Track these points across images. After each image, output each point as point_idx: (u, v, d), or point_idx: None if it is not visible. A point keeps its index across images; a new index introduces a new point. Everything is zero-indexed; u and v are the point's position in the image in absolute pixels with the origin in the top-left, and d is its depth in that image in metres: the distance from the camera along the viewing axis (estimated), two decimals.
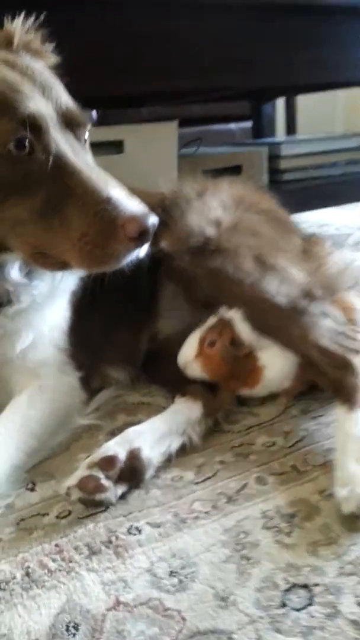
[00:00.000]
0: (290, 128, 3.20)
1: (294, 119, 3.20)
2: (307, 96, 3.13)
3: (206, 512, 0.88)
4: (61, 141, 0.90)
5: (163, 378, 1.26)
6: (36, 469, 1.02)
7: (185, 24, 1.77)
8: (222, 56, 1.84)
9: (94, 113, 2.72)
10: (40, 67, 0.99)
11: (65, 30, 1.52)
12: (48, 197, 0.87)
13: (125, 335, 1.28)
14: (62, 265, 0.93)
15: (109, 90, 1.74)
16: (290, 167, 2.25)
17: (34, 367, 1.08)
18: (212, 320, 1.14)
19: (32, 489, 0.98)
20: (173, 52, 1.79)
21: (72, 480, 0.93)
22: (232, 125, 3.85)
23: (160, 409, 1.12)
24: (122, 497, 0.93)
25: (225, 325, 1.13)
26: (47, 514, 0.91)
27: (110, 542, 0.84)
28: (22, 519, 0.91)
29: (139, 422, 1.06)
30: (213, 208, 1.28)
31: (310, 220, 1.43)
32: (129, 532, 0.86)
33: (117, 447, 0.96)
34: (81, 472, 0.93)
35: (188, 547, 0.82)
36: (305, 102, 3.20)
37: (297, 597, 0.73)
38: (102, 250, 0.86)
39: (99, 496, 0.91)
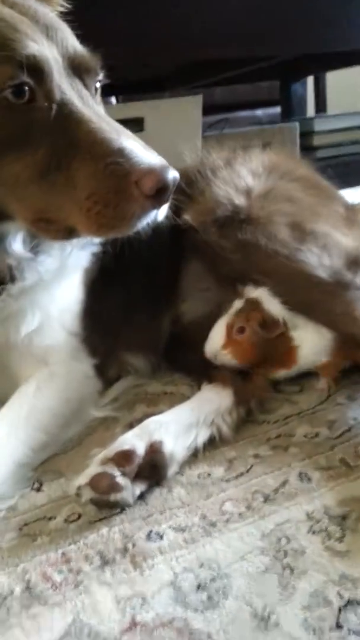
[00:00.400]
0: (321, 109, 3.05)
1: (324, 99, 3.04)
2: (336, 75, 2.97)
3: (240, 514, 0.74)
4: (67, 88, 0.79)
5: (188, 365, 1.13)
6: (44, 466, 0.90)
7: None
8: (258, 25, 1.71)
9: (113, 99, 2.62)
10: (45, 9, 0.87)
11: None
12: (51, 152, 0.76)
13: (146, 318, 1.15)
14: (68, 232, 0.81)
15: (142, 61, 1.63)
16: (324, 144, 2.11)
17: (42, 352, 0.97)
18: (238, 304, 1.02)
19: (38, 489, 0.86)
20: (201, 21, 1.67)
21: (83, 478, 0.80)
22: (259, 112, 3.70)
23: (184, 399, 0.99)
24: (141, 497, 0.80)
25: (252, 308, 1.00)
26: (54, 518, 0.79)
27: (127, 549, 0.71)
28: (26, 524, 0.79)
29: (160, 413, 0.93)
30: (243, 176, 1.14)
31: (348, 198, 1.27)
32: (148, 538, 0.73)
33: (135, 440, 0.84)
34: (93, 469, 0.81)
35: (219, 555, 0.68)
36: (334, 81, 3.04)
37: (355, 617, 0.59)
38: (113, 211, 0.74)
39: (114, 496, 0.78)
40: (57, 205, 0.78)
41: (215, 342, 1.01)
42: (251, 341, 1.00)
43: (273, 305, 1.00)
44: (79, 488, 0.80)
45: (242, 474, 0.82)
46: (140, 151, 0.74)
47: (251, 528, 0.72)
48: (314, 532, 0.70)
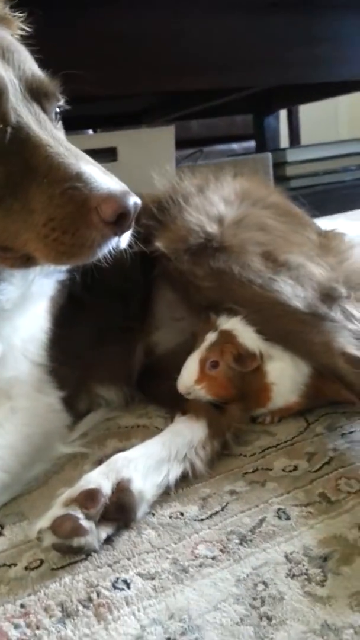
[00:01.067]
0: (294, 141, 3.10)
1: (297, 132, 3.09)
2: (308, 108, 3.03)
3: (213, 558, 0.69)
4: (23, 111, 0.76)
5: (161, 396, 1.09)
6: (5, 508, 0.84)
7: (192, 23, 1.67)
8: (230, 55, 1.73)
9: (90, 132, 2.63)
10: (2, 32, 0.85)
11: (66, 28, 1.42)
12: (6, 176, 0.72)
13: (117, 348, 1.11)
14: (26, 260, 0.77)
15: (115, 90, 1.63)
16: (297, 174, 2.12)
17: (4, 385, 0.91)
18: (211, 337, 0.98)
19: None
20: (178, 51, 1.68)
21: (45, 521, 0.74)
22: (235, 145, 3.75)
23: (158, 433, 0.94)
24: (108, 540, 0.74)
25: (227, 340, 0.96)
26: (15, 565, 0.73)
27: (91, 600, 0.65)
28: None
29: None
30: (215, 204, 1.12)
31: (321, 226, 1.25)
32: (114, 586, 0.67)
33: (100, 479, 0.78)
34: (56, 510, 0.75)
35: (190, 604, 0.63)
36: (307, 113, 3.10)
37: None
38: (72, 238, 0.70)
39: (77, 541, 0.72)
40: (13, 233, 0.74)
41: (188, 377, 0.97)
42: (226, 376, 0.96)
43: (248, 337, 0.96)
44: (40, 532, 0.75)
45: (216, 513, 0.77)
46: (99, 176, 0.71)
47: (226, 573, 0.66)
48: (293, 576, 0.65)
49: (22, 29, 0.93)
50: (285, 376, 0.97)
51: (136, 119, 2.69)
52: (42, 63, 0.88)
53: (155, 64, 1.67)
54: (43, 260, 0.75)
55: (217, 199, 1.14)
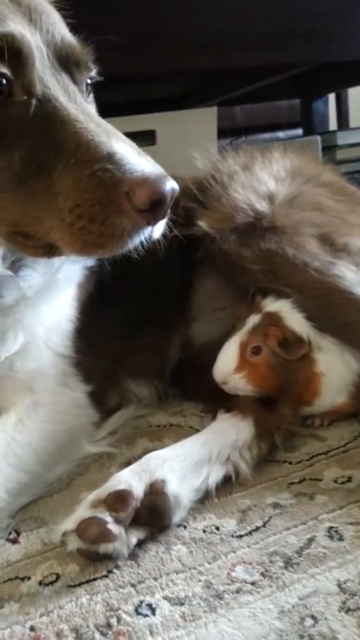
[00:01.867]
0: (343, 127, 2.93)
1: (347, 117, 2.93)
2: (358, 92, 2.87)
3: (253, 583, 0.59)
4: (51, 81, 0.68)
5: (198, 393, 1.01)
6: (24, 511, 0.77)
7: None
8: (276, 30, 1.61)
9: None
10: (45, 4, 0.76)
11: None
12: (30, 155, 0.64)
13: (151, 339, 1.02)
14: (47, 249, 0.69)
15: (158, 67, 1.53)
16: (348, 158, 1.99)
17: (26, 378, 0.84)
18: (254, 319, 0.88)
19: (14, 541, 0.72)
20: (221, 26, 1.58)
21: (70, 523, 0.67)
22: (280, 133, 3.61)
23: (192, 433, 0.85)
24: (132, 556, 0.65)
25: (272, 323, 0.86)
26: (29, 578, 0.65)
27: (110, 626, 0.56)
28: None
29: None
30: (264, 181, 1.02)
31: None
32: (137, 611, 0.58)
33: (132, 479, 0.70)
34: (82, 512, 0.67)
35: (225, 639, 0.53)
36: (357, 98, 2.94)
37: None
38: (100, 227, 0.62)
39: (105, 547, 0.64)
40: (36, 218, 0.66)
41: (227, 364, 0.87)
42: (269, 364, 0.86)
43: (296, 321, 0.87)
44: (64, 534, 0.67)
45: (257, 529, 0.67)
46: (133, 157, 0.63)
47: (267, 602, 0.56)
48: (348, 610, 0.54)
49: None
50: (335, 370, 0.87)
51: (177, 105, 2.59)
52: (75, 30, 0.80)
53: (199, 41, 1.57)
54: (67, 250, 0.67)
55: (266, 176, 1.04)
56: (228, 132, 2.80)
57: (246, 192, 0.99)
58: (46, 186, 0.64)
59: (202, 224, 0.97)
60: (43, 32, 0.70)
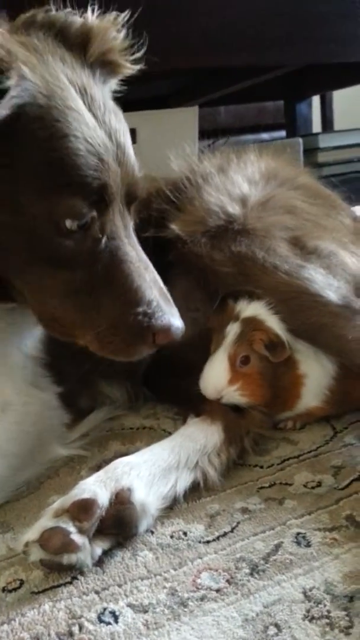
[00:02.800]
0: (327, 128, 2.94)
1: (331, 120, 2.94)
2: (342, 95, 2.88)
3: (218, 590, 0.58)
4: (118, 219, 0.75)
5: (172, 395, 0.99)
6: None
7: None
8: (262, 32, 1.61)
9: None
10: (119, 113, 0.79)
11: None
12: (88, 277, 0.73)
13: None
14: (73, 338, 0.78)
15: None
16: (329, 161, 1.99)
17: None
18: (234, 328, 0.86)
19: None
20: (209, 27, 1.57)
21: (32, 533, 0.65)
22: (264, 135, 3.62)
23: (166, 437, 0.83)
24: (97, 561, 0.64)
25: (253, 327, 0.85)
26: None
27: (71, 634, 0.55)
28: None
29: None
30: (237, 183, 1.02)
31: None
32: (100, 619, 0.57)
33: (97, 487, 0.68)
34: (45, 522, 0.66)
35: None
36: (341, 102, 2.95)
37: None
38: (125, 346, 0.76)
39: (68, 558, 0.63)
40: (75, 321, 0.76)
41: (219, 378, 0.84)
42: (260, 371, 0.84)
43: (275, 323, 0.85)
44: (26, 545, 0.65)
45: (225, 534, 0.66)
46: (164, 306, 0.75)
47: (231, 610, 0.56)
48: (312, 619, 0.54)
49: (129, 68, 0.85)
50: (314, 371, 0.87)
51: (160, 104, 2.58)
52: None
53: (186, 41, 1.56)
54: (91, 349, 0.78)
55: (240, 179, 1.03)
56: (212, 132, 2.79)
57: (219, 195, 0.98)
58: (93, 305, 0.74)
59: (175, 227, 0.96)
60: (123, 170, 0.75)
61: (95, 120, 0.73)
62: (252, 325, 0.85)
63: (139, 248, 0.78)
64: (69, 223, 0.70)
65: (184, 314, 1.06)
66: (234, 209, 0.95)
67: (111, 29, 0.82)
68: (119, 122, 0.77)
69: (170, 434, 0.86)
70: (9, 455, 0.79)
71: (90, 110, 0.73)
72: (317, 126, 3.04)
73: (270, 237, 0.93)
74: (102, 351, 0.77)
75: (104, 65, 0.81)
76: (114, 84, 0.85)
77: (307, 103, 2.66)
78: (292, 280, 0.88)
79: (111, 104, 0.78)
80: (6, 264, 0.74)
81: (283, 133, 3.20)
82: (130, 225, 0.78)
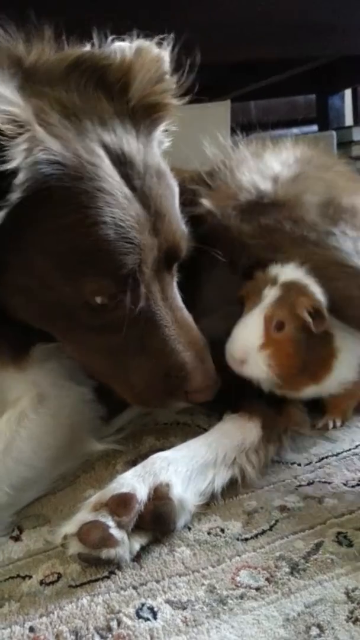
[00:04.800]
0: (359, 121, 2.89)
1: None
2: None
3: (257, 589, 0.57)
4: (154, 285, 0.75)
5: None
6: (27, 508, 0.76)
7: None
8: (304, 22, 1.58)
9: None
10: (163, 173, 0.77)
11: None
12: (124, 341, 0.74)
13: None
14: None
15: None
16: None
17: (31, 371, 0.82)
18: (272, 292, 0.80)
19: (17, 538, 0.71)
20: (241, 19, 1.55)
21: (71, 526, 0.65)
22: (295, 130, 3.57)
23: (200, 432, 0.83)
24: (136, 556, 0.64)
25: (298, 292, 0.78)
26: (29, 577, 0.64)
27: (110, 629, 0.55)
28: None
29: (170, 448, 0.77)
30: (271, 165, 1.00)
31: None
32: (138, 614, 0.56)
33: (135, 482, 0.68)
34: (83, 515, 0.66)
35: None
36: None
37: None
38: (160, 402, 0.79)
39: (107, 552, 0.63)
40: (112, 377, 0.79)
41: (250, 339, 0.78)
42: (293, 340, 0.78)
43: (317, 290, 0.80)
44: (65, 538, 0.65)
45: (263, 532, 0.65)
46: (199, 365, 0.75)
47: (272, 609, 0.55)
48: (356, 621, 0.52)
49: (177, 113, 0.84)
50: (347, 344, 0.82)
51: (191, 99, 2.56)
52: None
53: (213, 34, 1.54)
54: (126, 399, 0.81)
55: (274, 161, 1.01)
56: (242, 127, 2.76)
57: (252, 175, 0.97)
58: (129, 367, 0.75)
59: (206, 202, 0.95)
60: (161, 237, 0.74)
61: (133, 191, 0.71)
62: (295, 289, 0.79)
63: (178, 304, 0.78)
64: (99, 300, 0.70)
65: (223, 307, 1.06)
66: (266, 185, 0.94)
67: (152, 62, 0.78)
68: (161, 184, 0.75)
69: (204, 429, 0.85)
70: (46, 448, 0.79)
71: (127, 180, 0.71)
72: (349, 119, 2.99)
73: (299, 204, 0.89)
74: (139, 405, 0.82)
75: (148, 110, 0.78)
76: (161, 130, 0.83)
77: (339, 96, 2.61)
78: (319, 250, 0.84)
79: (155, 164, 0.76)
80: (46, 327, 0.76)
81: (314, 127, 3.15)
82: (171, 282, 0.78)
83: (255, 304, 0.80)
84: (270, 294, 0.80)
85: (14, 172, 0.64)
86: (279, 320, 0.78)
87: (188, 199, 0.91)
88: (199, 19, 1.51)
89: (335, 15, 1.64)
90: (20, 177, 0.64)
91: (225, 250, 0.93)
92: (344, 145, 2.03)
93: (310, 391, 0.83)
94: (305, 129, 3.49)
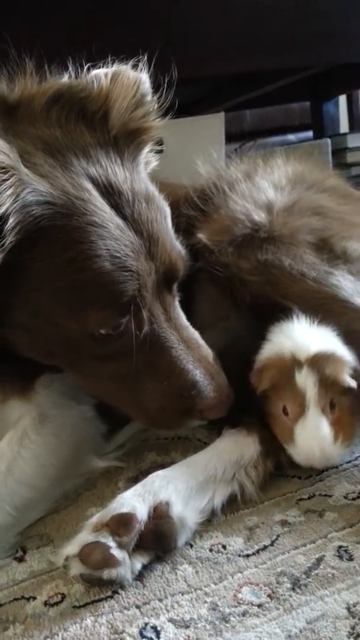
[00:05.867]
0: (354, 128, 2.90)
1: (357, 118, 2.89)
2: None
3: (259, 605, 0.58)
4: (156, 308, 0.76)
5: None
6: (30, 528, 0.76)
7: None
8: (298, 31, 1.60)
9: None
10: (152, 196, 0.77)
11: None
12: (132, 366, 0.74)
13: None
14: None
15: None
16: (359, 161, 1.96)
17: (32, 390, 0.83)
18: (305, 377, 0.75)
19: (20, 559, 0.71)
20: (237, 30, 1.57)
21: (73, 547, 0.66)
22: (291, 136, 3.59)
23: (200, 447, 0.83)
24: (139, 574, 0.64)
25: (329, 363, 0.76)
26: (34, 598, 0.64)
27: None
28: (0, 605, 0.64)
29: (171, 464, 0.78)
30: (263, 189, 1.01)
31: None
32: (141, 634, 0.57)
33: (135, 501, 0.69)
34: (84, 536, 0.66)
35: None
36: None
37: None
38: (173, 423, 0.80)
39: (108, 573, 0.63)
40: (124, 405, 0.80)
41: (326, 444, 0.73)
42: (347, 407, 0.76)
43: (339, 345, 0.78)
44: (67, 559, 0.66)
45: (265, 548, 0.66)
46: (210, 383, 0.76)
47: (274, 626, 0.55)
48: (357, 636, 0.53)
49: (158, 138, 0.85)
50: None
51: (185, 111, 2.58)
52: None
53: (208, 46, 1.56)
54: (139, 422, 0.85)
55: (266, 185, 1.02)
56: (238, 136, 2.78)
57: (244, 203, 0.97)
58: (140, 390, 0.76)
59: (202, 236, 0.96)
60: (157, 261, 0.74)
61: (124, 220, 0.72)
62: (327, 362, 0.75)
63: (182, 323, 0.78)
64: (103, 331, 0.71)
65: (215, 323, 1.07)
66: (260, 216, 0.95)
67: (129, 86, 0.79)
68: (151, 209, 0.76)
69: (205, 443, 0.86)
70: (48, 467, 0.80)
71: (117, 210, 0.72)
72: (344, 126, 3.00)
73: (296, 243, 0.91)
74: (153, 427, 0.82)
75: (130, 136, 0.79)
76: (145, 154, 0.84)
77: (334, 103, 2.62)
78: (320, 287, 0.87)
79: (142, 189, 0.77)
80: (54, 362, 0.78)
81: (310, 134, 3.17)
82: (173, 302, 0.78)
83: (295, 397, 0.75)
84: (308, 381, 0.75)
85: (3, 218, 0.65)
86: (331, 403, 0.75)
87: (183, 225, 0.92)
88: (196, 30, 1.53)
89: (331, 24, 1.65)
90: (11, 222, 0.65)
91: (224, 286, 0.94)
92: (339, 152, 2.04)
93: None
94: (302, 135, 3.51)
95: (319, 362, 0.75)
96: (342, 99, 2.86)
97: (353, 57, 1.68)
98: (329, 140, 1.89)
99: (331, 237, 0.92)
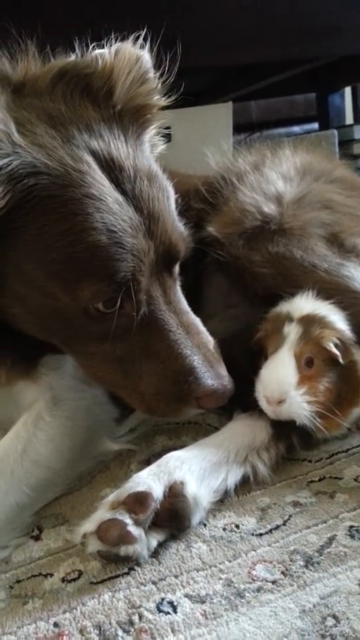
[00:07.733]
0: (359, 119, 2.90)
1: None
2: None
3: (273, 582, 0.59)
4: (154, 289, 0.75)
5: None
6: (45, 508, 0.78)
7: None
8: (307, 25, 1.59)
9: None
10: (154, 175, 0.76)
11: None
12: (129, 348, 0.74)
13: None
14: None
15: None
16: None
17: (46, 374, 0.84)
18: (292, 329, 0.79)
19: (37, 537, 0.73)
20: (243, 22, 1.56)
21: (90, 525, 0.67)
22: (296, 128, 3.58)
23: (210, 431, 0.85)
24: (153, 553, 0.66)
25: (320, 325, 0.78)
26: (51, 575, 0.66)
27: (132, 623, 0.57)
28: (18, 581, 0.66)
29: (182, 447, 0.79)
30: (272, 181, 1.01)
31: None
32: (158, 608, 0.58)
33: (151, 480, 0.70)
34: (101, 514, 0.67)
35: (246, 638, 0.54)
36: None
37: None
38: (170, 410, 0.77)
39: (125, 549, 0.65)
40: (120, 387, 0.78)
41: (286, 379, 0.75)
42: (324, 375, 0.77)
43: (340, 320, 0.80)
44: (84, 536, 0.67)
45: (277, 527, 0.67)
46: (208, 369, 0.75)
47: (288, 601, 0.57)
48: None
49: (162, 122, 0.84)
50: None
51: (192, 101, 2.57)
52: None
53: (215, 38, 1.56)
54: (136, 408, 0.82)
55: (275, 176, 1.03)
56: (244, 127, 2.77)
57: (254, 195, 0.98)
58: (136, 374, 0.75)
59: (211, 229, 0.96)
60: (156, 240, 0.73)
61: (124, 196, 0.71)
62: (316, 323, 0.78)
63: (182, 307, 0.77)
64: (98, 306, 0.70)
65: (224, 311, 1.08)
66: (270, 208, 0.95)
67: (132, 62, 0.78)
68: (153, 187, 0.74)
69: (215, 428, 0.87)
70: (63, 449, 0.81)
71: (117, 185, 0.71)
72: (349, 117, 3.00)
73: (307, 235, 0.92)
74: (148, 414, 0.80)
75: (134, 113, 0.78)
76: (150, 134, 0.82)
77: (339, 94, 2.62)
78: (332, 278, 0.88)
79: (145, 167, 0.75)
80: (50, 338, 0.77)
81: (315, 125, 3.16)
82: (173, 285, 0.77)
83: (277, 343, 0.79)
84: (292, 331, 0.78)
85: None
86: (308, 357, 0.76)
87: (193, 220, 0.92)
88: (201, 22, 1.53)
89: (337, 17, 1.65)
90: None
91: (235, 278, 0.95)
92: (346, 143, 2.04)
93: (356, 414, 0.82)
94: (307, 126, 3.50)
95: (309, 321, 0.79)
96: (348, 91, 2.85)
97: (356, 49, 1.67)
98: (335, 132, 1.89)
99: (341, 232, 0.93)
